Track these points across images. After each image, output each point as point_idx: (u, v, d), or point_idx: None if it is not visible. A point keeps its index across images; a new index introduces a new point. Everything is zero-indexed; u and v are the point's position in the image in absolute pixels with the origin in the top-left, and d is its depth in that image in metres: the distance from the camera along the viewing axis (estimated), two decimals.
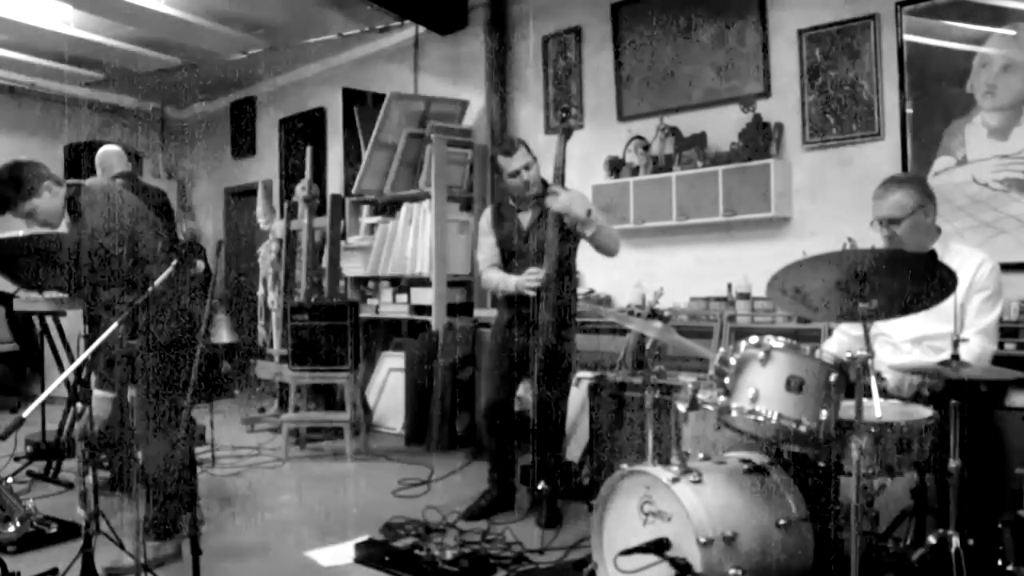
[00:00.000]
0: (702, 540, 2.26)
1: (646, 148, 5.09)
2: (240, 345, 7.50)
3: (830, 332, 3.55)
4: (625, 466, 2.53)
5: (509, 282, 3.68)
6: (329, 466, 4.87)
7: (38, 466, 4.52)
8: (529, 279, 3.58)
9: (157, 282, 2.71)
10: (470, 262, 5.72)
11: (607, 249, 3.71)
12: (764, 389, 2.35)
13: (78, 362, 3.31)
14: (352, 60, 7.07)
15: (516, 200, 3.78)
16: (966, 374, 2.29)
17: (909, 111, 4.17)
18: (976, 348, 2.69)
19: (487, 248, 3.84)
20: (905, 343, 2.85)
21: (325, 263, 6.36)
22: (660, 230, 5.01)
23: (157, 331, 2.97)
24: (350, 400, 5.19)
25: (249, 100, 8.36)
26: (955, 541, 2.26)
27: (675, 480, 2.37)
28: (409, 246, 5.78)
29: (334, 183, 7.06)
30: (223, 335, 7.38)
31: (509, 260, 3.77)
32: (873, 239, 2.84)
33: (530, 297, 3.59)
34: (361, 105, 6.31)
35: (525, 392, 3.58)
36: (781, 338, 2.39)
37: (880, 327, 2.83)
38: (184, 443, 2.98)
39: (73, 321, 4.70)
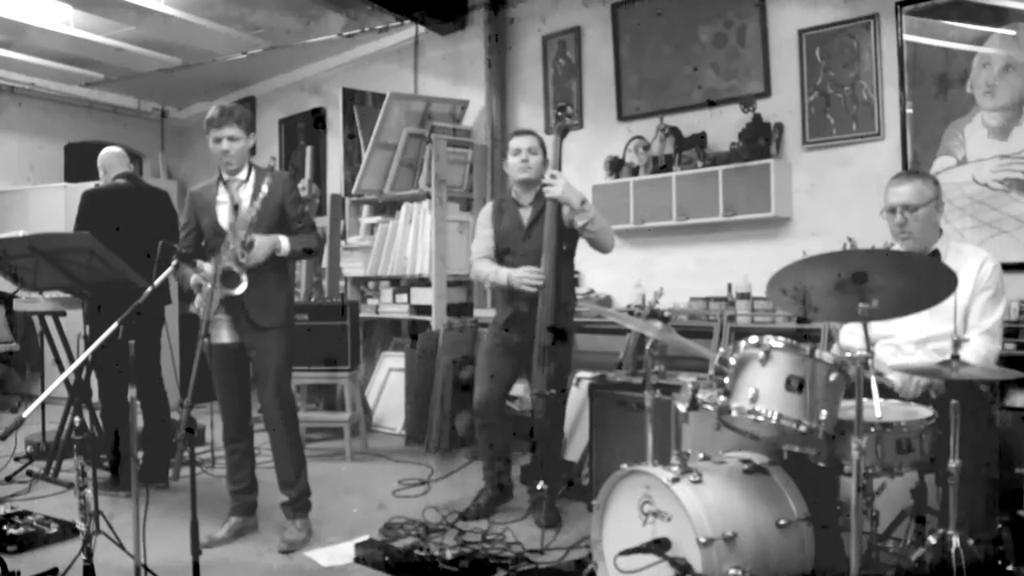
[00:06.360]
0: (702, 540, 2.26)
1: (646, 148, 5.09)
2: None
3: (830, 332, 3.55)
4: (625, 466, 2.53)
5: (501, 274, 3.63)
6: (329, 466, 4.86)
7: (38, 466, 4.52)
8: (527, 278, 3.55)
9: (156, 282, 2.72)
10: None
11: (601, 243, 3.66)
12: (764, 389, 2.34)
13: (78, 362, 3.32)
14: (352, 60, 7.05)
15: (516, 192, 3.77)
16: (966, 373, 2.28)
17: (909, 111, 4.17)
18: (982, 350, 2.67)
19: (483, 240, 3.81)
20: (908, 344, 2.84)
21: (325, 263, 6.36)
22: (660, 230, 5.00)
23: None
24: (350, 400, 5.19)
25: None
26: (955, 541, 2.26)
27: (675, 480, 2.37)
28: (409, 246, 5.78)
29: (334, 183, 7.05)
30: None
31: (505, 255, 3.74)
32: (873, 239, 2.83)
33: (529, 295, 3.57)
34: (361, 105, 6.31)
35: (524, 392, 3.57)
36: (781, 338, 2.39)
37: (885, 328, 2.82)
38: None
39: (73, 321, 4.69)
